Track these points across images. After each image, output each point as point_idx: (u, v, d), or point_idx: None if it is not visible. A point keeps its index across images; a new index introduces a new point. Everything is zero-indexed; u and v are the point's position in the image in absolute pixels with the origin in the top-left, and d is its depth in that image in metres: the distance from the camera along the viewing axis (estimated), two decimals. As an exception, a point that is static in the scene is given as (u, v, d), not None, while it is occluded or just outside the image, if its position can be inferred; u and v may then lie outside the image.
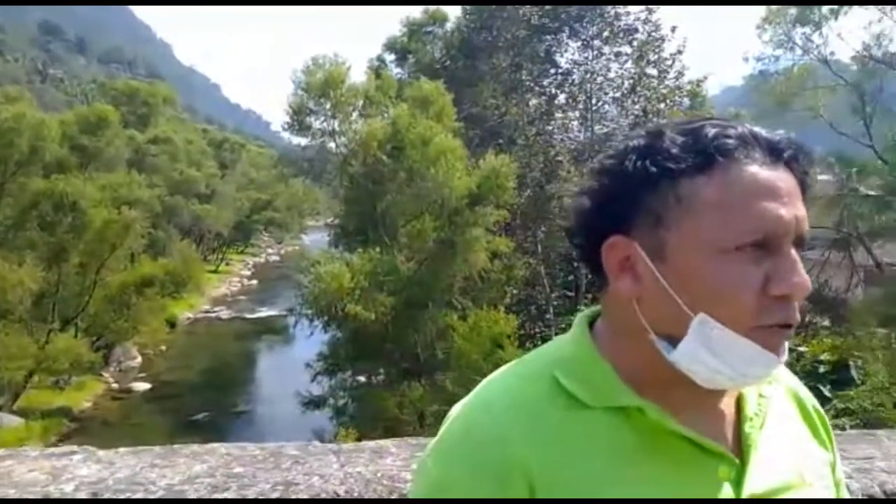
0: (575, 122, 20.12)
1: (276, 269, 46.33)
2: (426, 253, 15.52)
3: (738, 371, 0.69)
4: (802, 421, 0.82)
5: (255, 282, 44.65)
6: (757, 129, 0.71)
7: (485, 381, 0.79)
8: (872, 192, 15.34)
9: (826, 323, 18.18)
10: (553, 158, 18.26)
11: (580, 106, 19.68)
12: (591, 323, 0.80)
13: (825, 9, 16.26)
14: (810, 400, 0.83)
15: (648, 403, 0.71)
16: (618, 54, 19.47)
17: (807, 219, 0.70)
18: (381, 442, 1.73)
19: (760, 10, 17.47)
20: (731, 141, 0.69)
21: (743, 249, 0.67)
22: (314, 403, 15.53)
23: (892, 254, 15.99)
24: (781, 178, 0.69)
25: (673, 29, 19.19)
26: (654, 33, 19.23)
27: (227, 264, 48.22)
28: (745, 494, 0.71)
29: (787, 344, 0.69)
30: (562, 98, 20.02)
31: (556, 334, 0.95)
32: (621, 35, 19.13)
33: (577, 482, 0.68)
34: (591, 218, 0.75)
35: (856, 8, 16.33)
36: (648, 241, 0.70)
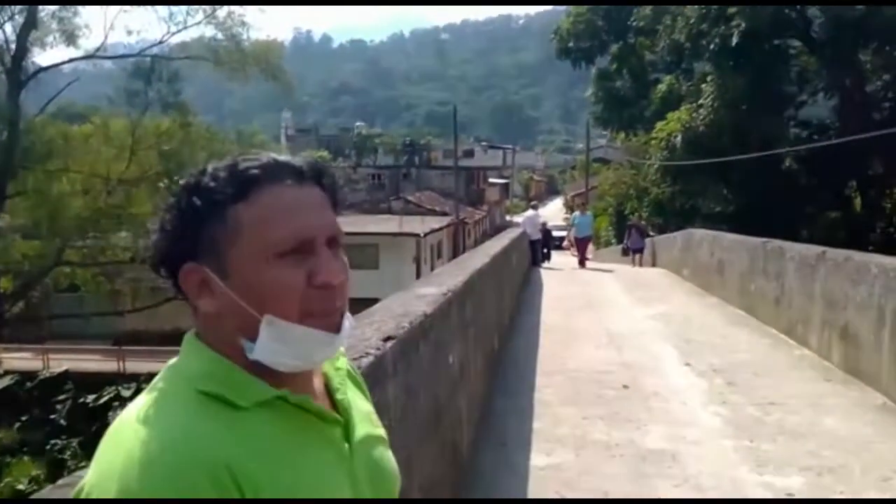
0: None
1: None
2: None
3: (309, 354, 0.83)
4: (353, 384, 1.00)
5: None
6: (282, 158, 0.85)
7: (122, 424, 0.77)
8: None
9: None
10: None
11: None
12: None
13: None
14: (354, 369, 1.04)
15: (285, 391, 0.82)
16: None
17: (336, 222, 0.86)
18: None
19: None
20: (259, 171, 0.82)
21: (285, 256, 0.80)
22: None
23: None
24: (307, 194, 0.84)
25: None
26: None
27: None
28: (354, 445, 0.88)
29: (347, 322, 0.85)
30: None
31: None
32: None
33: (262, 473, 0.76)
34: (165, 250, 0.83)
35: None
36: (214, 263, 0.81)
